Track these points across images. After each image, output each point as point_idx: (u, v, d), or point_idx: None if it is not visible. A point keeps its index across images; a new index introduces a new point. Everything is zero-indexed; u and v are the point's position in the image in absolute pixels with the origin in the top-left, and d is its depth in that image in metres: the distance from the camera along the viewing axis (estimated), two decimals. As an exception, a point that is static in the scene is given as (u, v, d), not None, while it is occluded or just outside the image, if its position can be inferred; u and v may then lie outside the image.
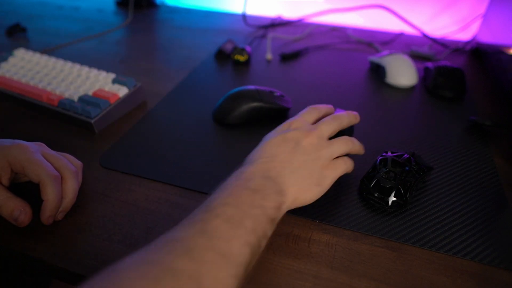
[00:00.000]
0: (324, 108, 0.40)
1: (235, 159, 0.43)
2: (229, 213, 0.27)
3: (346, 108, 0.54)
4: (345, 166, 0.36)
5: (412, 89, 0.60)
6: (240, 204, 0.28)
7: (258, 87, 0.50)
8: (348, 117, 0.39)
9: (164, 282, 0.21)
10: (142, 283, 0.21)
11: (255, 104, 0.48)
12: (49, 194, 0.33)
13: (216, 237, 0.25)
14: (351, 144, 0.37)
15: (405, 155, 0.39)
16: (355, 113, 0.40)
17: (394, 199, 0.36)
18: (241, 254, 0.25)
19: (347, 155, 0.39)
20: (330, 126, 0.37)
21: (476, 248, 0.34)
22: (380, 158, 0.40)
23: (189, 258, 0.23)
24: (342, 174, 0.36)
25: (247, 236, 0.26)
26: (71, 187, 0.35)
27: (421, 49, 0.71)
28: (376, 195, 0.37)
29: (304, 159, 0.33)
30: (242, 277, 0.25)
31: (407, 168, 0.38)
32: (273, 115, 0.50)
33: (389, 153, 0.40)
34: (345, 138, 0.37)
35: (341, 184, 0.40)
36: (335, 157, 0.36)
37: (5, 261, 0.35)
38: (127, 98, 0.51)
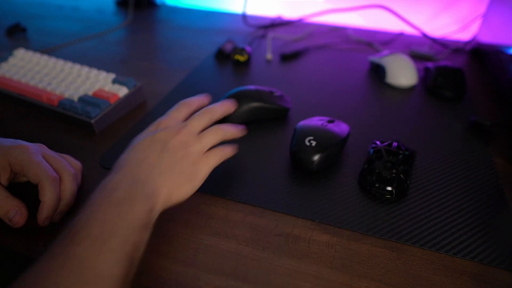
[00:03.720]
0: (195, 101, 0.40)
1: (234, 158, 0.43)
2: (94, 233, 0.26)
3: (346, 108, 0.54)
4: (219, 156, 0.36)
5: (412, 89, 0.60)
6: (106, 220, 0.27)
7: (258, 87, 0.50)
8: (221, 108, 0.39)
9: None
10: None
11: (255, 104, 0.48)
12: (47, 196, 0.33)
13: (83, 267, 0.24)
14: (222, 133, 0.37)
15: (394, 144, 0.41)
16: (229, 102, 0.40)
17: (397, 187, 0.38)
18: (113, 273, 0.25)
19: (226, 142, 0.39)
20: (201, 121, 0.37)
21: (476, 248, 0.34)
22: (372, 150, 0.41)
23: None
24: (217, 164, 0.36)
25: (118, 253, 0.25)
26: (69, 189, 0.35)
27: (421, 49, 0.71)
28: (379, 186, 0.38)
29: (173, 158, 0.33)
30: None
31: (400, 157, 0.40)
32: (273, 115, 0.50)
33: (378, 143, 0.42)
34: (214, 128, 0.37)
35: (340, 184, 0.40)
36: (206, 150, 0.36)
37: (4, 260, 0.35)
38: (127, 98, 0.51)
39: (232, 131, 0.38)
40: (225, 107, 0.40)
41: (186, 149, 0.34)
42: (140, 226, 0.28)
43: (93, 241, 0.25)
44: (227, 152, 0.37)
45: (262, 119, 0.50)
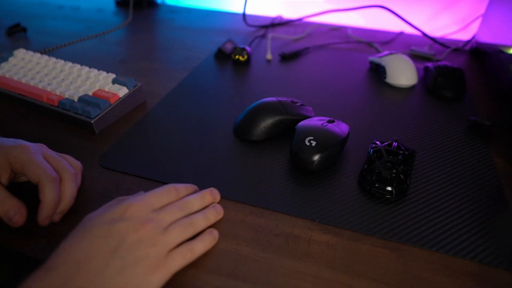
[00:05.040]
0: (184, 190, 0.35)
1: (234, 158, 0.43)
2: None
3: (346, 108, 0.54)
4: (187, 257, 0.30)
5: (412, 89, 0.60)
6: None
7: (279, 98, 0.47)
8: (201, 201, 0.34)
9: None
10: None
11: (281, 117, 0.45)
12: (47, 195, 0.33)
13: None
14: (192, 229, 0.31)
15: (394, 144, 0.42)
16: (214, 191, 0.36)
17: (397, 187, 0.38)
18: None
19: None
20: (173, 215, 0.31)
21: (476, 248, 0.34)
22: (372, 150, 0.41)
23: None
24: (182, 267, 0.30)
25: None
26: (69, 189, 0.35)
27: (421, 49, 0.71)
28: (379, 186, 0.38)
29: (125, 262, 0.27)
30: None
31: (400, 157, 0.40)
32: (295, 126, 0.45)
33: (378, 143, 0.42)
34: (186, 221, 0.31)
35: (340, 184, 0.40)
36: (172, 248, 0.30)
37: (4, 260, 0.35)
38: (127, 98, 0.51)
39: (213, 217, 0.34)
40: (207, 198, 0.35)
41: (145, 249, 0.28)
42: None
43: None
44: (198, 249, 0.31)
45: (285, 131, 0.47)
